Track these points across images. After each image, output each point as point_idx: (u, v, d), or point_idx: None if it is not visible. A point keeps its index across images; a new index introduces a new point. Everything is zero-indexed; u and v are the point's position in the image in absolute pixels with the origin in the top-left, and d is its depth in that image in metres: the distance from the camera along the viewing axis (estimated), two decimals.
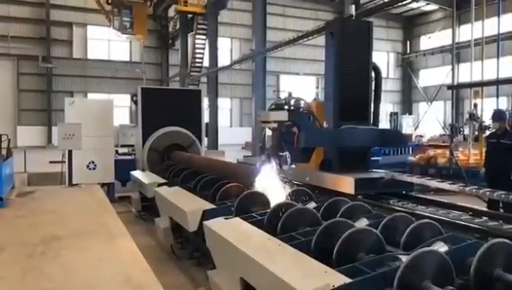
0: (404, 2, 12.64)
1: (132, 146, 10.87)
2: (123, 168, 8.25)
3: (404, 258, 2.13)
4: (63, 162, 7.73)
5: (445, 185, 3.99)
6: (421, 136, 20.73)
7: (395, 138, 6.14)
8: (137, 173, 7.33)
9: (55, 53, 23.54)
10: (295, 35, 15.68)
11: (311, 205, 3.55)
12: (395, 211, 3.54)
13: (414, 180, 4.36)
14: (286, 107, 5.05)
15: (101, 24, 22.57)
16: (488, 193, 3.69)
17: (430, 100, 27.96)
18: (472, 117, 10.21)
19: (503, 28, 11.08)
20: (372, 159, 5.72)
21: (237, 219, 3.33)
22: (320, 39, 10.94)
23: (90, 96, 23.80)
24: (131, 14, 20.10)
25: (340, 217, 3.09)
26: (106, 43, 24.79)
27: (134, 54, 25.63)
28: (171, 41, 26.32)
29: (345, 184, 4.50)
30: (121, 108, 21.91)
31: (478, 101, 10.86)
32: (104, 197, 6.19)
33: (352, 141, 5.01)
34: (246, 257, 2.57)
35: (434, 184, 4.13)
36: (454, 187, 3.92)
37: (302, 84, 26.94)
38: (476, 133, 10.71)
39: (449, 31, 15.43)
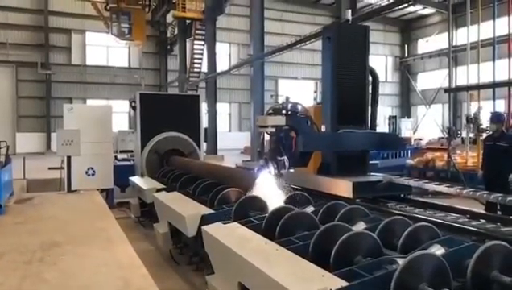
0: (400, 6, 12.75)
1: (131, 151, 10.89)
2: (122, 174, 8.26)
3: (401, 262, 2.15)
4: (62, 168, 7.73)
5: (443, 188, 3.99)
6: (420, 139, 20.76)
7: (393, 142, 6.15)
8: (136, 179, 7.33)
9: (54, 60, 23.59)
10: (293, 39, 15.76)
11: (309, 209, 3.57)
12: (393, 214, 3.55)
13: (412, 183, 4.36)
14: (283, 111, 5.06)
15: (99, 30, 22.63)
16: (485, 196, 3.70)
17: (428, 103, 28.04)
18: (470, 120, 10.24)
19: (499, 31, 11.13)
20: (370, 162, 5.73)
21: (236, 224, 3.35)
22: (318, 44, 10.98)
23: (89, 102, 23.83)
24: (129, 20, 20.15)
25: (338, 220, 3.10)
26: (105, 49, 24.84)
27: (132, 60, 25.69)
28: (169, 47, 26.40)
29: (343, 187, 4.51)
30: (120, 114, 21.93)
31: (475, 103, 10.91)
32: (103, 203, 6.21)
33: (350, 145, 5.03)
34: (244, 261, 2.57)
35: (431, 187, 4.14)
36: (451, 190, 3.92)
37: (300, 89, 26.97)
38: (473, 135, 10.75)
39: (446, 34, 15.51)
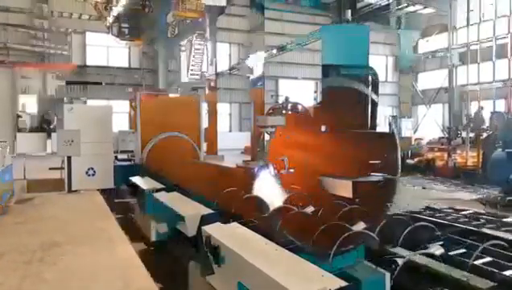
0: (400, 7, 12.77)
1: (131, 151, 10.89)
2: (123, 174, 8.24)
3: (400, 261, 2.15)
4: (62, 168, 7.73)
5: (443, 188, 4.00)
6: (420, 139, 20.75)
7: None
8: (136, 179, 7.32)
9: (54, 60, 23.58)
10: (293, 39, 15.76)
11: (309, 209, 3.57)
12: (393, 214, 3.55)
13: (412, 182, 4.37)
14: (283, 111, 5.07)
15: (99, 31, 22.64)
16: (485, 196, 3.70)
17: (429, 103, 28.01)
18: (471, 120, 10.25)
19: (499, 31, 11.13)
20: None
21: (236, 224, 3.35)
22: (318, 44, 10.99)
23: (89, 102, 23.84)
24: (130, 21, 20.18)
25: (338, 220, 3.10)
26: (105, 49, 24.85)
27: (132, 60, 25.70)
28: None
29: (343, 187, 4.50)
30: (120, 114, 21.91)
31: (475, 103, 10.92)
32: (103, 203, 6.21)
33: None
34: (244, 262, 2.58)
35: (432, 186, 4.14)
36: (451, 189, 3.93)
37: (301, 89, 26.97)
38: (473, 135, 10.74)
39: (446, 34, 15.50)
